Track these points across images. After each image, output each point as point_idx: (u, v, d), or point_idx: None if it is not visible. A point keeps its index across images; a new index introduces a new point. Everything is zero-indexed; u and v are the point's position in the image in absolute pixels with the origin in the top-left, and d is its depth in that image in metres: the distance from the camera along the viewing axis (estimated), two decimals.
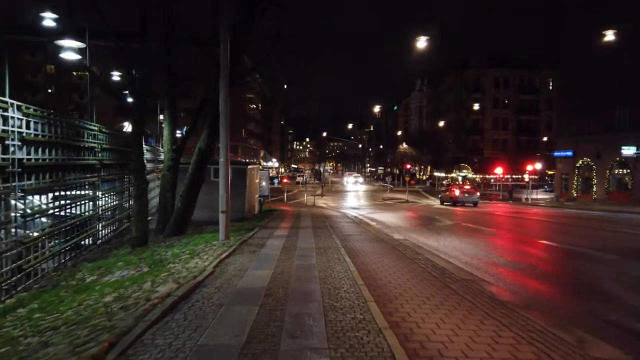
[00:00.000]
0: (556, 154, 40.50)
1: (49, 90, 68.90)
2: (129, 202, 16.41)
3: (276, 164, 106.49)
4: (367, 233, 14.26)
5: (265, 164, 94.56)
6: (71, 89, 68.20)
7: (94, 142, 12.74)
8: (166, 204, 14.70)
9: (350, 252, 9.86)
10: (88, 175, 12.61)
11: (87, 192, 13.11)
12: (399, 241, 12.22)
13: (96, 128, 12.94)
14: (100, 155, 13.20)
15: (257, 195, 23.12)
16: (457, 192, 32.67)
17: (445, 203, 34.84)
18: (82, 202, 11.52)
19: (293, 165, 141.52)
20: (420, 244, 12.02)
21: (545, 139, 73.34)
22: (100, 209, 13.38)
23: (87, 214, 11.95)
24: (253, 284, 6.64)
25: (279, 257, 9.07)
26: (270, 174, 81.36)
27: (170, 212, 14.38)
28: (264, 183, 29.21)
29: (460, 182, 75.80)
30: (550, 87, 79.63)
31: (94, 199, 12.94)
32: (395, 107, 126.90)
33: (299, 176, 76.01)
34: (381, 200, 42.99)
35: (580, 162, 37.01)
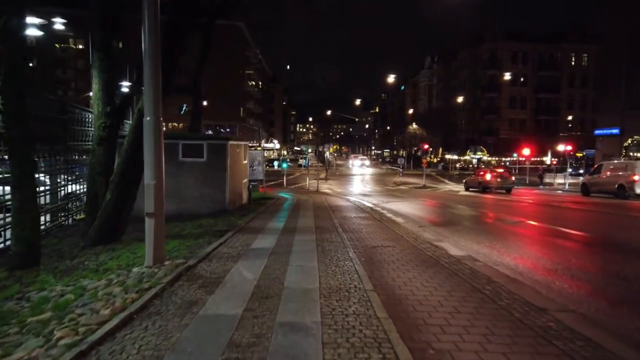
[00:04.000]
0: (597, 132, 35.03)
1: (30, 65, 63.32)
2: (66, 189, 11.53)
3: (277, 146, 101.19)
4: (400, 240, 9.06)
5: (266, 145, 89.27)
6: (55, 63, 63.27)
7: None
8: (97, 194, 9.59)
9: (392, 303, 4.68)
10: None
11: None
12: (465, 263, 7.01)
13: None
14: None
15: (245, 180, 17.97)
16: (488, 177, 27.34)
17: (471, 189, 29.58)
18: None
19: (296, 148, 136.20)
20: (513, 274, 6.77)
21: (570, 117, 67.70)
22: None
23: None
24: None
25: (234, 334, 3.88)
26: (271, 156, 76.18)
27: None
28: (257, 165, 24.06)
29: (476, 165, 70.45)
30: (573, 63, 73.74)
31: None
32: (403, 87, 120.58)
33: (301, 158, 70.45)
34: (393, 185, 37.75)
35: (630, 140, 31.55)
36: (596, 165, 26.23)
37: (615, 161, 24.50)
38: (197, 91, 19.63)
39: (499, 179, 27.13)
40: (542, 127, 72.45)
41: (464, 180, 32.73)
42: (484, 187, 27.40)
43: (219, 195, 14.49)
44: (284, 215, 14.09)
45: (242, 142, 17.67)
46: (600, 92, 37.13)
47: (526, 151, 42.02)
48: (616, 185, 21.95)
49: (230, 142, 14.92)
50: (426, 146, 52.27)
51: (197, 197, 14.38)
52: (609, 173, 23.08)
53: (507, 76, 51.42)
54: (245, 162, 18.27)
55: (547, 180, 41.43)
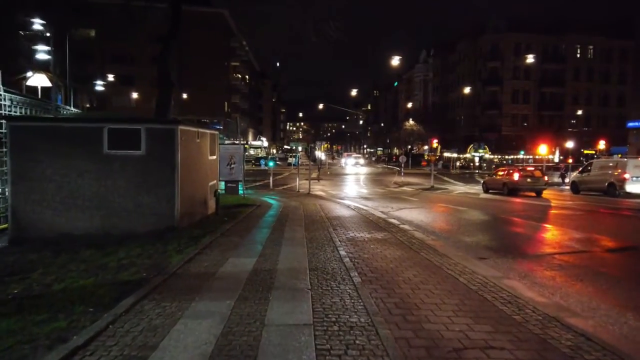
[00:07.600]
0: (631, 124, 30.56)
1: None
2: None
3: (266, 144, 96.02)
4: (490, 314, 4.23)
5: (253, 142, 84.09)
6: None
7: None
8: None
9: None
10: None
11: None
12: None
13: None
14: None
15: (212, 183, 13.00)
16: (516, 177, 22.59)
17: (491, 191, 24.88)
18: None
19: (286, 146, 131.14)
20: None
21: (579, 112, 63.38)
22: None
23: None
24: None
25: None
26: (259, 154, 71.05)
27: None
28: (235, 164, 19.09)
29: (478, 163, 66.06)
30: (578, 55, 69.65)
31: None
32: (396, 83, 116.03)
33: (290, 156, 65.42)
34: (395, 186, 32.92)
35: None
36: (586, 164, 26.57)
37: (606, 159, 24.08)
38: (164, 75, 15.27)
39: (529, 180, 22.46)
40: (546, 123, 68.30)
41: (482, 181, 27.99)
42: (510, 189, 22.69)
43: (164, 206, 9.52)
44: (261, 237, 9.17)
45: (207, 130, 12.64)
46: (637, 79, 32.63)
47: (543, 148, 37.50)
48: (606, 184, 21.85)
49: (182, 127, 9.93)
50: (435, 141, 47.35)
51: (131, 208, 9.43)
52: (598, 171, 22.99)
53: (530, 58, 46.28)
54: (213, 157, 13.28)
55: (567, 179, 37.01)
